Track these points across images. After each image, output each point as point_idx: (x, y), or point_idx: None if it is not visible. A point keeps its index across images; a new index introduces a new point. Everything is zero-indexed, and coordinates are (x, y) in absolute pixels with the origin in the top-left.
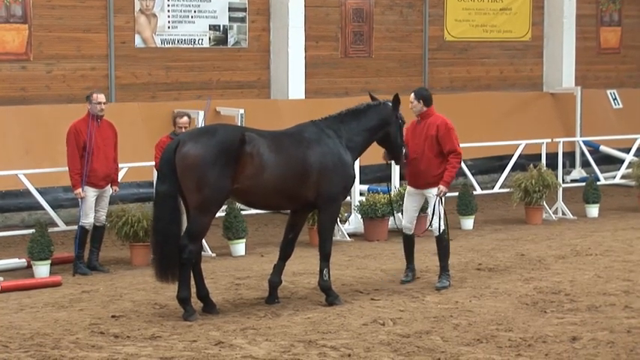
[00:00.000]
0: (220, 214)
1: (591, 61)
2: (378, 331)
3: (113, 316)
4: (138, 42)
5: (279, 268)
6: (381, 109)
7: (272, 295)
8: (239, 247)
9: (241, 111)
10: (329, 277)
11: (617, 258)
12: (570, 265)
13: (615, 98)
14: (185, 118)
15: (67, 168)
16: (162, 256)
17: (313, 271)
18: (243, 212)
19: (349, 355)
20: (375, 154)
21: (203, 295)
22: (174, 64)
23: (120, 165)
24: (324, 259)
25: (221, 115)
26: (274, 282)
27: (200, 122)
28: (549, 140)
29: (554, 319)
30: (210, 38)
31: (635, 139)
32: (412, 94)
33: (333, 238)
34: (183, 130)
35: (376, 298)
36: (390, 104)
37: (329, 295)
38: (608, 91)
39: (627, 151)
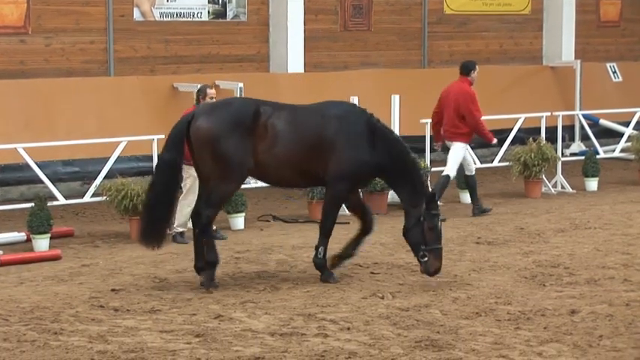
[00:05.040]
0: None
1: (591, 34)
2: (377, 305)
3: (113, 290)
4: (137, 15)
5: (355, 241)
6: (417, 192)
7: (325, 270)
8: (238, 220)
9: (240, 85)
10: (324, 255)
11: (616, 231)
12: (569, 239)
13: (615, 71)
14: (214, 90)
15: (65, 142)
16: (149, 220)
17: (312, 245)
18: (242, 186)
19: (348, 329)
20: None
21: (200, 266)
22: (173, 37)
23: (119, 139)
24: (323, 236)
25: (220, 89)
26: (345, 255)
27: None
28: (549, 114)
29: (553, 292)
30: (209, 11)
31: (635, 112)
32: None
33: None
34: (214, 100)
35: (375, 271)
36: (429, 201)
37: (323, 273)
38: (608, 65)
39: (627, 124)
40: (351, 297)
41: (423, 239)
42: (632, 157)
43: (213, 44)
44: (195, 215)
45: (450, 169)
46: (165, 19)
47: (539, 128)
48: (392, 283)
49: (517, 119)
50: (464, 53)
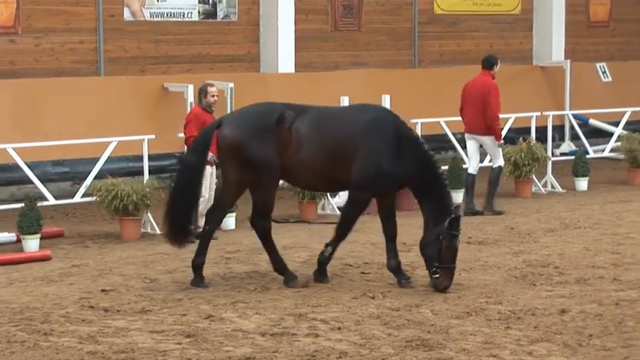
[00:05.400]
0: None
1: (581, 34)
2: (368, 305)
3: (103, 290)
4: (127, 15)
5: (388, 250)
6: (440, 209)
7: (397, 276)
8: (229, 221)
9: (231, 85)
10: (330, 255)
11: (605, 231)
12: (559, 238)
13: (604, 71)
14: (215, 88)
15: (55, 142)
16: (172, 221)
17: (303, 245)
18: None
19: (339, 329)
20: None
21: (198, 263)
22: (164, 37)
23: (109, 139)
24: (337, 237)
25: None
26: (391, 266)
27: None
28: (539, 114)
29: (543, 291)
30: (199, 11)
31: (624, 112)
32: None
33: (324, 212)
34: (215, 98)
35: (366, 271)
36: (452, 221)
37: (319, 271)
38: (598, 65)
39: (616, 124)
40: (341, 297)
41: (438, 257)
42: (622, 156)
43: (203, 44)
44: (252, 224)
45: (498, 159)
46: (155, 19)
47: (530, 128)
48: (382, 282)
49: (507, 119)
50: (454, 53)
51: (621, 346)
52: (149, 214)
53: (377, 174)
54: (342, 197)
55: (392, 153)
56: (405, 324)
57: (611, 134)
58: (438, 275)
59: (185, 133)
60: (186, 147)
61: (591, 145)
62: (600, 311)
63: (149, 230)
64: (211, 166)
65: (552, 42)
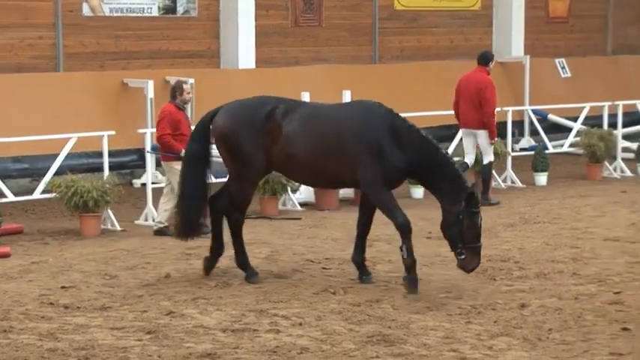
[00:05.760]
0: None
1: (540, 30)
2: (329, 300)
3: (63, 287)
4: (86, 10)
5: (357, 246)
6: (453, 189)
7: (360, 271)
8: None
9: (191, 81)
10: (409, 254)
11: (565, 225)
12: (519, 233)
13: (564, 67)
14: (188, 84)
15: (14, 138)
16: (182, 212)
17: (264, 241)
18: None
19: (300, 324)
20: None
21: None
22: (123, 32)
23: (69, 135)
24: (401, 235)
25: (170, 85)
26: (356, 261)
27: (149, 93)
28: (498, 109)
29: (503, 286)
30: (159, 7)
31: (583, 107)
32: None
33: (285, 208)
34: (190, 95)
35: (327, 267)
36: (469, 199)
37: (408, 274)
38: (557, 60)
39: (575, 119)
40: (302, 292)
41: (462, 237)
42: (581, 151)
43: (163, 40)
44: (227, 216)
45: (489, 155)
46: (114, 14)
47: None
48: (344, 278)
49: None
50: (414, 49)
51: (580, 340)
52: (109, 210)
53: (382, 172)
54: (304, 193)
55: (391, 146)
56: (366, 319)
57: (570, 129)
58: (464, 256)
59: (158, 131)
60: (159, 145)
61: (550, 140)
62: (560, 305)
63: (109, 227)
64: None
65: (512, 38)
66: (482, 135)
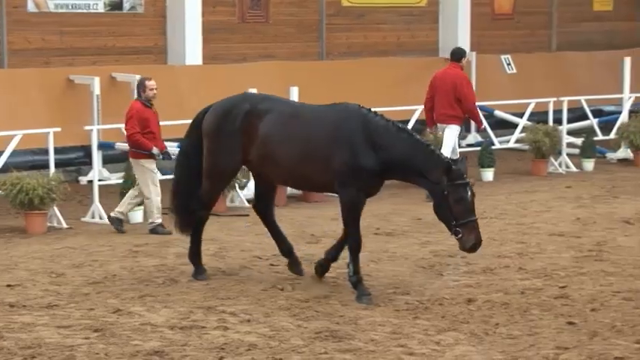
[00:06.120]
0: (117, 180)
1: (486, 26)
2: (277, 297)
3: (8, 285)
4: (30, 6)
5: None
6: (431, 168)
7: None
8: (137, 214)
9: (137, 77)
10: (354, 272)
11: (511, 221)
12: None
13: (509, 63)
14: (153, 81)
15: None
16: (174, 207)
17: (212, 238)
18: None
19: (248, 321)
20: None
21: (285, 250)
22: (69, 29)
23: (14, 132)
24: (350, 251)
25: (117, 82)
26: (328, 256)
27: (95, 90)
28: None
29: (450, 281)
30: (105, 3)
31: (529, 103)
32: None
33: (234, 204)
34: (155, 91)
35: (275, 263)
36: (448, 171)
37: (357, 291)
38: (502, 57)
39: (521, 115)
40: (250, 289)
41: (452, 214)
42: (527, 147)
43: (109, 36)
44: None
45: (445, 151)
46: (59, 10)
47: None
48: (292, 275)
49: (414, 111)
50: (362, 45)
51: (527, 334)
52: (55, 208)
53: (353, 170)
54: (251, 190)
55: (363, 147)
56: (315, 315)
57: (515, 125)
58: (460, 235)
59: (127, 130)
60: (128, 144)
61: (497, 136)
62: (506, 300)
63: (55, 224)
64: (154, 160)
65: (458, 34)
66: (451, 130)
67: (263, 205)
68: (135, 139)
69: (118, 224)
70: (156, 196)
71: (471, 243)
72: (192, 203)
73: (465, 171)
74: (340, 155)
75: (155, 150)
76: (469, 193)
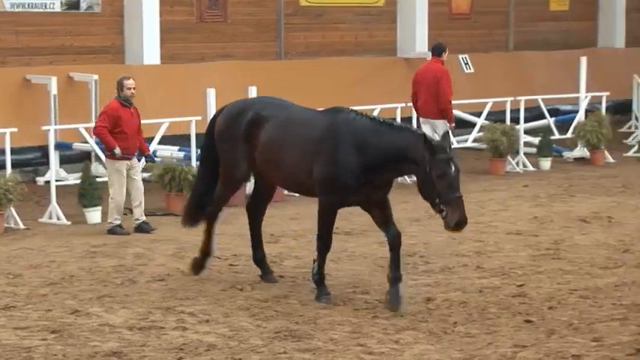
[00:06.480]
0: (75, 180)
1: (443, 26)
2: (237, 297)
3: None
4: None
5: (391, 261)
6: (407, 138)
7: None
8: (94, 214)
9: (95, 77)
10: (318, 271)
11: (469, 220)
12: (425, 228)
13: (467, 63)
14: (132, 80)
15: None
16: (189, 202)
17: (170, 238)
18: (98, 179)
19: (207, 321)
20: None
21: (258, 257)
22: (25, 28)
23: None
24: (317, 252)
25: (74, 81)
26: (391, 279)
27: (52, 89)
28: (403, 105)
29: (409, 280)
30: (61, 2)
31: (486, 103)
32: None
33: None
34: (132, 91)
35: (234, 263)
36: (427, 146)
37: (317, 290)
38: (460, 56)
39: (478, 115)
40: (210, 289)
41: (435, 191)
42: (484, 146)
43: (66, 35)
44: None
45: None
46: (16, 9)
47: (394, 119)
48: (251, 274)
49: (372, 110)
50: (320, 45)
51: (485, 333)
52: (12, 208)
53: (334, 174)
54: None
55: (347, 152)
56: (274, 315)
57: (473, 125)
58: (444, 213)
59: (95, 123)
60: (94, 137)
61: (454, 135)
62: (464, 299)
63: (12, 225)
64: (129, 160)
65: (415, 34)
66: (440, 124)
67: (256, 205)
68: (100, 133)
69: (120, 229)
70: (119, 197)
71: (455, 221)
72: (205, 200)
73: (448, 145)
74: (320, 164)
75: (117, 150)
76: (453, 168)
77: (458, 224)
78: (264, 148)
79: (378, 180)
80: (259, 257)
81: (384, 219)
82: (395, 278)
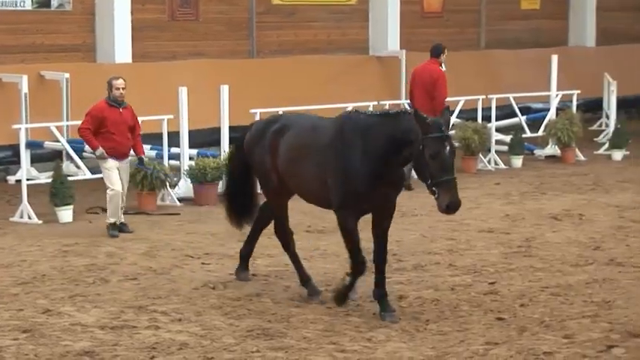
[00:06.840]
0: (47, 179)
1: (415, 24)
2: (209, 295)
3: None
4: None
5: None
6: (400, 120)
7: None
8: (66, 213)
9: (66, 75)
10: (350, 285)
11: (441, 218)
12: (397, 226)
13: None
14: (121, 80)
15: None
16: (229, 212)
17: (142, 237)
18: (70, 178)
19: (180, 320)
20: (203, 117)
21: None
22: None
23: None
24: (351, 271)
25: (45, 80)
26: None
27: (23, 88)
28: (376, 103)
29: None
30: (32, 0)
31: (458, 101)
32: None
33: (164, 203)
34: (121, 91)
35: (206, 262)
36: (421, 124)
37: (339, 294)
38: None
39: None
40: (182, 288)
41: (428, 172)
42: (457, 144)
43: (37, 34)
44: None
45: None
46: None
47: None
48: (223, 273)
49: (344, 108)
50: (292, 43)
51: (457, 330)
52: None
53: (344, 189)
54: (182, 188)
55: (358, 152)
56: (246, 314)
57: None
58: (436, 195)
59: (81, 124)
60: (79, 137)
61: None
62: (436, 296)
63: None
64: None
65: (388, 32)
66: None
67: (268, 211)
68: (82, 135)
69: (121, 228)
70: (117, 187)
71: (445, 204)
72: (241, 210)
73: (445, 123)
74: (334, 168)
75: (99, 151)
76: (447, 148)
77: (449, 207)
78: (284, 160)
79: (389, 174)
80: (246, 252)
81: (380, 233)
82: (380, 295)
